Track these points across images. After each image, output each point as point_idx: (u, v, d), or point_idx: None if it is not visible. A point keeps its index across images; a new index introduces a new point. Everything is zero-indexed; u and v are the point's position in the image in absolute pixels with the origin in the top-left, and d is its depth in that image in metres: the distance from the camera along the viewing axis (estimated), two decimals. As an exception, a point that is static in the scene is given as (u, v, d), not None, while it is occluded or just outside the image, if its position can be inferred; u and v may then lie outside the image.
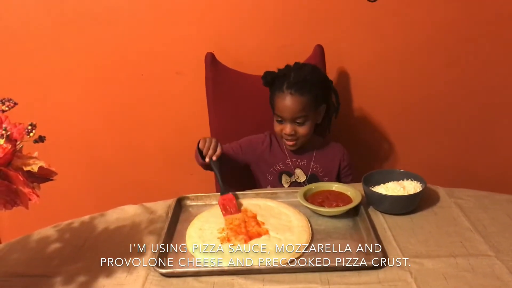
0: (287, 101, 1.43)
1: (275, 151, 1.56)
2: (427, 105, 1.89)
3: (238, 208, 1.26)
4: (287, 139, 1.49)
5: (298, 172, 1.54)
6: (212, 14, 1.74)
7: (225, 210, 1.25)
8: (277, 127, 1.49)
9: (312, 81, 1.44)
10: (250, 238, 1.13)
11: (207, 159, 1.36)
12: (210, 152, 1.36)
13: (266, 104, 1.54)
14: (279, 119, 1.47)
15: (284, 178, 1.52)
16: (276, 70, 1.49)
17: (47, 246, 1.18)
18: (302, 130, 1.46)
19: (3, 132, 0.83)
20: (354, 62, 1.81)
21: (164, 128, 1.91)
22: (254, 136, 1.59)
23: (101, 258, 1.10)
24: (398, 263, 1.03)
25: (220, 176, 1.36)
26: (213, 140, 1.38)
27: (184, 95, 1.85)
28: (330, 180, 1.54)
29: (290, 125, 1.45)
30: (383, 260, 1.02)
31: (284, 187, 1.53)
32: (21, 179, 0.82)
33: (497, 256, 1.04)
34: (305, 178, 1.53)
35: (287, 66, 1.50)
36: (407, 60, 1.81)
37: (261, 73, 1.64)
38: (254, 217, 1.21)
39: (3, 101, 0.88)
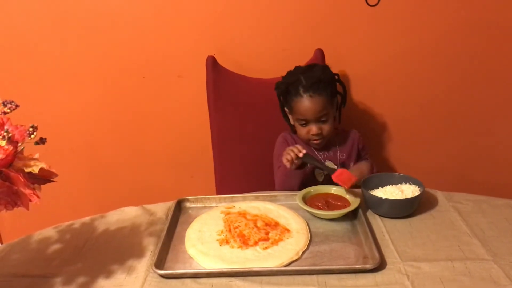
0: (309, 103, 1.47)
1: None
2: (426, 109, 1.89)
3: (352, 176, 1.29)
4: (314, 139, 1.52)
5: (329, 164, 1.57)
6: (214, 17, 1.75)
7: (345, 183, 1.28)
8: (303, 131, 1.52)
9: (325, 80, 1.50)
10: (249, 240, 1.14)
11: (301, 155, 1.38)
12: (295, 152, 1.39)
13: (267, 107, 1.55)
14: (303, 123, 1.50)
15: (317, 172, 1.55)
16: (276, 74, 1.51)
17: (48, 247, 1.19)
18: (326, 127, 1.51)
19: (5, 133, 0.85)
20: (354, 66, 1.82)
21: (165, 130, 1.92)
22: (278, 146, 1.60)
23: (101, 259, 1.11)
24: (396, 267, 1.04)
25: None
26: (288, 149, 1.41)
27: (186, 98, 1.86)
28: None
29: (315, 125, 1.49)
30: (380, 263, 1.03)
31: (319, 180, 1.55)
32: (22, 180, 0.84)
33: (494, 260, 1.04)
34: (336, 168, 1.54)
35: (295, 71, 1.54)
36: (407, 64, 1.82)
37: (262, 76, 1.66)
38: (254, 220, 1.22)
39: (5, 103, 0.89)
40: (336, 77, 1.55)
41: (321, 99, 1.47)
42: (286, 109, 1.57)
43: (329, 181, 1.37)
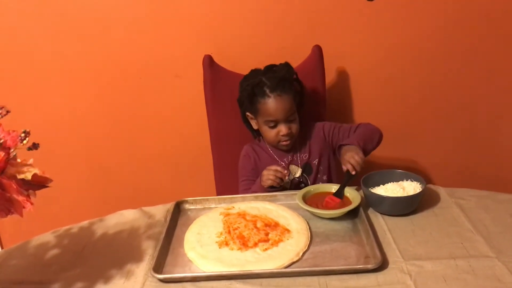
0: (277, 103, 1.44)
1: (264, 159, 1.56)
2: (426, 104, 1.87)
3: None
4: (284, 141, 1.49)
5: (292, 168, 1.54)
6: (210, 16, 1.73)
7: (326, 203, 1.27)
8: (271, 133, 1.49)
9: (290, 78, 1.49)
10: (249, 241, 1.12)
11: (286, 179, 1.43)
12: (279, 177, 1.40)
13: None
14: (272, 124, 1.47)
15: (286, 179, 1.52)
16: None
17: (46, 252, 1.18)
18: (295, 126, 1.49)
19: (-4, 140, 0.83)
20: (353, 62, 1.80)
21: (163, 131, 1.91)
22: (242, 160, 1.59)
23: (99, 264, 1.10)
24: (398, 266, 1.02)
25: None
26: (271, 171, 1.40)
27: (183, 98, 1.84)
28: (326, 160, 1.56)
29: (285, 125, 1.47)
30: (382, 263, 1.01)
31: (286, 188, 1.52)
32: (15, 187, 0.82)
33: (498, 257, 1.02)
34: (300, 172, 1.53)
35: (254, 74, 1.52)
36: (406, 60, 1.80)
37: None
38: (253, 221, 1.20)
39: (-4, 109, 0.88)
40: (295, 76, 1.53)
41: (289, 98, 1.46)
42: (248, 113, 1.54)
43: (296, 186, 1.47)
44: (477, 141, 1.92)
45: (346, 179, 1.33)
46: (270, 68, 1.52)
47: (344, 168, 1.35)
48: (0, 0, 1.70)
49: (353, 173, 1.32)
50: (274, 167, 1.41)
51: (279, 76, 1.46)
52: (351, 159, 1.34)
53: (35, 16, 1.73)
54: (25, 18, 1.73)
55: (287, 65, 1.53)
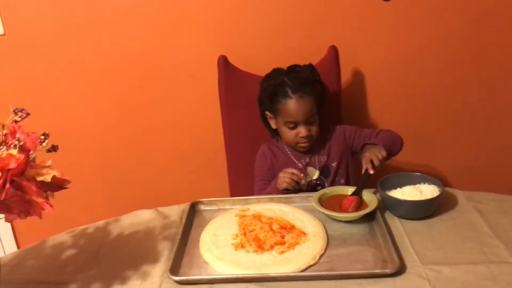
0: (298, 105, 1.43)
1: (281, 160, 1.55)
2: (444, 106, 1.85)
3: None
4: (303, 142, 1.48)
5: (310, 170, 1.53)
6: (225, 16, 1.73)
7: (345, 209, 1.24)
8: (290, 134, 1.48)
9: (312, 80, 1.48)
10: (265, 244, 1.12)
11: (302, 182, 1.43)
12: (295, 181, 1.39)
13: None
14: (292, 126, 1.46)
15: (303, 181, 1.51)
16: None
17: (62, 252, 1.19)
18: (314, 128, 1.48)
19: (16, 142, 0.84)
20: (369, 63, 1.78)
21: (177, 131, 1.91)
22: (258, 159, 1.59)
23: (116, 265, 1.11)
24: (416, 271, 1.01)
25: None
26: (287, 173, 1.40)
27: (197, 98, 1.84)
28: (345, 163, 1.55)
29: (304, 127, 1.45)
30: (400, 267, 1.00)
31: (303, 190, 1.52)
32: (34, 189, 0.83)
33: (519, 263, 1.01)
34: (318, 174, 1.52)
35: (276, 74, 1.51)
36: (424, 61, 1.77)
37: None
38: (269, 223, 1.20)
39: (16, 111, 0.88)
40: (317, 78, 1.52)
41: (310, 100, 1.44)
42: (267, 113, 1.53)
43: (313, 188, 1.46)
44: (495, 144, 1.90)
45: (364, 179, 1.32)
46: (293, 68, 1.51)
47: (364, 166, 1.34)
48: (18, 3, 1.71)
49: (371, 172, 1.32)
50: (290, 170, 1.40)
51: (302, 77, 1.45)
52: (372, 154, 1.34)
53: (52, 18, 1.74)
54: (42, 20, 1.74)
55: (310, 66, 1.52)
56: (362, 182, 1.32)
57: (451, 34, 1.74)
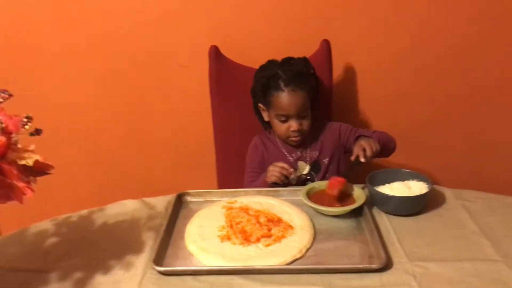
0: (291, 98, 1.42)
1: (272, 152, 1.54)
2: (434, 104, 1.85)
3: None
4: (294, 136, 1.47)
5: (301, 164, 1.52)
6: (217, 7, 1.70)
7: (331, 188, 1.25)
8: (282, 127, 1.47)
9: (306, 73, 1.47)
10: (251, 236, 1.11)
11: (292, 176, 1.41)
12: (284, 175, 1.39)
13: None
14: (283, 119, 1.45)
15: (292, 176, 1.50)
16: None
17: (44, 240, 1.17)
18: (306, 122, 1.47)
19: (-3, 124, 0.81)
20: (361, 58, 1.77)
21: (166, 121, 1.88)
22: (249, 151, 1.58)
23: (99, 254, 1.09)
24: (402, 267, 1.00)
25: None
26: (277, 167, 1.39)
27: (187, 89, 1.81)
28: (337, 160, 1.54)
29: (296, 120, 1.44)
30: (386, 263, 0.99)
31: (292, 184, 1.51)
32: (15, 173, 0.80)
33: (504, 261, 1.01)
34: (308, 169, 1.51)
35: (270, 65, 1.50)
36: (416, 57, 1.77)
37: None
38: (256, 216, 1.19)
39: (-2, 92, 0.86)
40: (312, 71, 1.51)
41: (303, 93, 1.43)
42: (260, 105, 1.52)
43: (303, 183, 1.42)
44: (485, 143, 1.90)
45: (353, 164, 1.34)
46: (288, 60, 1.49)
47: (355, 153, 1.34)
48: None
49: (362, 160, 1.32)
50: (280, 164, 1.39)
51: (295, 70, 1.44)
52: (366, 144, 1.34)
53: (41, 5, 1.70)
54: (31, 6, 1.70)
55: (305, 59, 1.50)
56: (351, 167, 1.33)
57: (445, 32, 1.73)
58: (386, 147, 1.47)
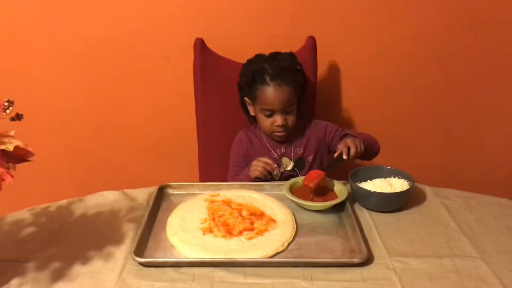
0: (276, 93, 1.42)
1: (256, 147, 1.54)
2: (418, 103, 1.87)
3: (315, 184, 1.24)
4: (278, 131, 1.47)
5: (285, 160, 1.52)
6: (204, -1, 1.70)
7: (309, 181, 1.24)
8: (267, 122, 1.47)
9: (293, 69, 1.47)
10: (233, 229, 1.10)
11: (275, 172, 1.43)
12: (267, 170, 1.40)
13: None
14: (268, 113, 1.45)
15: (275, 171, 1.50)
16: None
17: (21, 230, 1.14)
18: (291, 118, 1.47)
19: (-23, 107, 0.79)
20: (347, 56, 1.78)
21: (149, 113, 1.86)
22: (234, 145, 1.58)
23: (77, 245, 1.07)
24: (383, 262, 1.01)
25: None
26: (261, 162, 1.39)
27: (172, 82, 1.80)
28: (320, 159, 1.55)
29: (280, 115, 1.44)
30: (368, 258, 1.00)
31: (275, 180, 1.51)
32: (-6, 158, 0.78)
33: (482, 258, 1.03)
34: (292, 165, 1.51)
35: (257, 59, 1.49)
36: (400, 57, 1.79)
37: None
38: (239, 209, 1.18)
39: (-22, 75, 0.83)
40: (299, 67, 1.51)
41: (289, 89, 1.43)
42: (246, 99, 1.52)
43: (286, 179, 1.38)
44: (464, 143, 1.95)
45: (335, 161, 1.34)
46: (275, 55, 1.49)
47: (339, 149, 1.34)
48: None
49: (345, 157, 1.32)
50: (264, 159, 1.39)
51: (282, 65, 1.44)
52: (352, 142, 1.35)
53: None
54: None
55: (291, 55, 1.50)
56: (332, 163, 1.33)
57: (430, 31, 1.75)
58: (370, 149, 1.48)
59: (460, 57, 1.80)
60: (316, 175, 1.26)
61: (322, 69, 1.76)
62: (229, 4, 1.71)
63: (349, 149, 1.35)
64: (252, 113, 1.53)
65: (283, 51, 1.52)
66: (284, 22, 1.73)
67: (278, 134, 1.48)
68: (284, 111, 1.44)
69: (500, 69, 1.82)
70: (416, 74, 1.82)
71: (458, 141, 1.94)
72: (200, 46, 1.59)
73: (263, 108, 1.45)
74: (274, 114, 1.45)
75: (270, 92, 1.42)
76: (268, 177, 1.40)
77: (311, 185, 1.24)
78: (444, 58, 1.80)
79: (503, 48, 1.79)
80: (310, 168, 1.52)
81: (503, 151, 1.96)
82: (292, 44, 1.62)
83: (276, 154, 1.52)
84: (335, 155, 1.36)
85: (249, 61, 1.51)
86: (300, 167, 1.52)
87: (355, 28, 1.75)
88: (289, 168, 1.51)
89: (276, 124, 1.45)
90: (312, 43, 1.64)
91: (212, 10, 1.71)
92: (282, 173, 1.48)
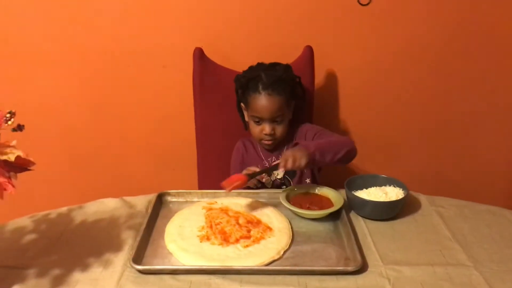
0: (266, 102, 1.43)
1: (251, 156, 1.57)
2: (414, 112, 1.89)
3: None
4: (266, 140, 1.49)
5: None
6: (202, 9, 1.72)
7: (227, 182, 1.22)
8: (256, 128, 1.49)
9: (286, 80, 1.48)
10: (230, 237, 1.12)
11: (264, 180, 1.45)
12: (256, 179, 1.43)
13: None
14: (257, 120, 1.47)
15: (265, 179, 1.51)
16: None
17: (22, 237, 1.16)
18: (280, 128, 1.48)
19: (-20, 119, 0.81)
20: (343, 65, 1.80)
21: (148, 121, 1.88)
22: (233, 153, 1.61)
23: (77, 252, 1.09)
24: (377, 270, 1.03)
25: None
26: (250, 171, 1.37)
27: (170, 90, 1.82)
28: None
29: (269, 124, 1.46)
30: (362, 266, 1.02)
31: (267, 188, 1.52)
32: (-4, 168, 0.80)
33: (475, 266, 1.04)
34: (282, 173, 1.52)
35: (257, 67, 1.51)
36: (396, 66, 1.81)
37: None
38: (236, 217, 1.20)
39: (-19, 86, 0.85)
40: (298, 80, 1.53)
41: (279, 99, 1.44)
42: (242, 104, 1.54)
43: (278, 188, 1.43)
44: (458, 152, 1.96)
45: (268, 169, 1.38)
46: (274, 65, 1.51)
47: (279, 161, 1.28)
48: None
49: (281, 170, 1.27)
50: (253, 168, 1.39)
51: (276, 75, 1.45)
52: (291, 157, 1.26)
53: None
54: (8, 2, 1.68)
55: (287, 66, 1.52)
56: (264, 170, 1.35)
57: (425, 40, 1.77)
58: (331, 154, 1.33)
59: (455, 66, 1.81)
60: (236, 179, 1.23)
61: (319, 78, 1.78)
62: (228, 14, 1.73)
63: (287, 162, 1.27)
64: (246, 118, 1.55)
65: (280, 60, 1.54)
66: (282, 32, 1.75)
67: (266, 142, 1.49)
68: (272, 121, 1.46)
69: (494, 77, 1.83)
70: (412, 83, 1.84)
71: (452, 149, 1.95)
72: (199, 55, 1.61)
73: (253, 114, 1.47)
74: (263, 122, 1.47)
75: (261, 100, 1.44)
76: (258, 185, 1.42)
77: (228, 189, 1.21)
78: (440, 67, 1.82)
79: (497, 58, 1.80)
80: (301, 174, 1.54)
81: (498, 159, 1.97)
82: (289, 53, 1.65)
83: (267, 163, 1.54)
84: (273, 163, 1.38)
85: (250, 68, 1.53)
86: (291, 175, 1.53)
87: (352, 38, 1.77)
88: (279, 176, 1.52)
89: (264, 132, 1.47)
90: (309, 52, 1.66)
91: (211, 19, 1.73)
92: (273, 181, 1.50)
